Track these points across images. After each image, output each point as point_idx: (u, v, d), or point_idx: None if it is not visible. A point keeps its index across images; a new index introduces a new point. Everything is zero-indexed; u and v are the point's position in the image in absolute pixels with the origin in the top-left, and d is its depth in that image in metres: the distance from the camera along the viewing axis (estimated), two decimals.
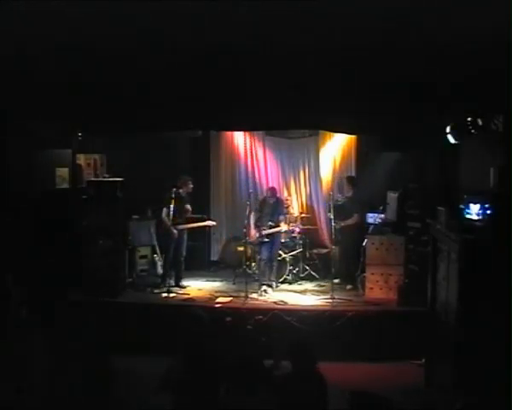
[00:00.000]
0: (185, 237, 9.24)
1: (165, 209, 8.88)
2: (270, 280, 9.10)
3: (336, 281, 8.86)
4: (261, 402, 3.54)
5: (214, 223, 9.52)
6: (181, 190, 8.98)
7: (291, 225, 9.68)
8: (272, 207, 9.25)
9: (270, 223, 9.14)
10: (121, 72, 5.34)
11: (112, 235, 8.72)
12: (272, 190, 9.48)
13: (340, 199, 9.48)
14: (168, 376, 4.48)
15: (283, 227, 9.22)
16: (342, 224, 9.02)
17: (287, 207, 10.06)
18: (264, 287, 8.84)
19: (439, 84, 5.66)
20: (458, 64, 4.87)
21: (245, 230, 9.12)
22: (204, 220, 9.49)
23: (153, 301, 8.64)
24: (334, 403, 4.46)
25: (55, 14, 3.68)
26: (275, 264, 9.21)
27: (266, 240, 9.10)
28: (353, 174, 10.16)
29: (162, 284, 9.06)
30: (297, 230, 9.78)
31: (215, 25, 3.95)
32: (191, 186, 9.12)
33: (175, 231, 8.94)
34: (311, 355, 4.50)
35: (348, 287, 9.01)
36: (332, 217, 8.84)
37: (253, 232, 9.22)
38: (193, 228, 9.28)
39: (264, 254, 9.12)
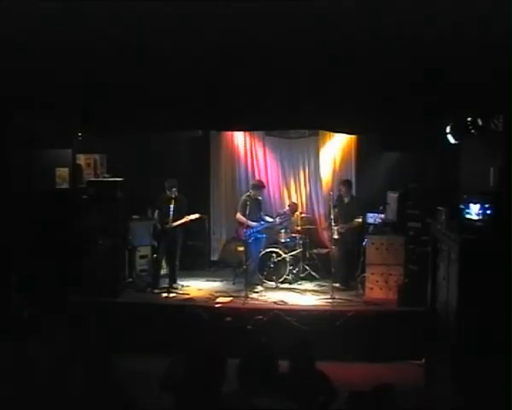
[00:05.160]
0: (178, 238, 9.20)
1: (156, 211, 9.17)
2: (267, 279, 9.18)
3: (336, 285, 8.77)
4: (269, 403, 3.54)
5: (197, 215, 9.25)
6: (168, 192, 9.00)
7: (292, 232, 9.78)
8: (258, 203, 9.31)
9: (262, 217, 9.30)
10: (121, 71, 5.34)
11: (112, 235, 8.73)
12: (258, 185, 9.45)
13: (337, 204, 9.37)
14: (168, 376, 4.48)
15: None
16: (345, 226, 8.95)
17: (294, 212, 10.03)
18: (259, 287, 8.87)
19: (439, 84, 5.65)
20: (458, 64, 4.87)
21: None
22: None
23: (153, 301, 8.65)
24: (334, 403, 4.45)
25: (55, 12, 3.68)
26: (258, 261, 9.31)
27: (259, 236, 9.15)
28: (353, 174, 10.17)
29: (154, 284, 9.08)
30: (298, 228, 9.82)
31: (215, 25, 3.95)
32: (174, 189, 8.99)
33: (158, 226, 9.04)
34: (310, 355, 4.49)
35: (342, 288, 8.95)
36: (332, 217, 8.84)
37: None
38: (184, 226, 9.18)
39: (255, 253, 9.15)
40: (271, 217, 9.68)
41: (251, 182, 10.08)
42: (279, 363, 3.92)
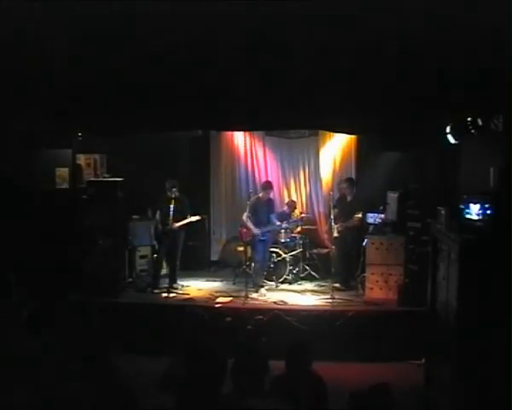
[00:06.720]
0: (179, 238, 9.19)
1: (158, 211, 9.21)
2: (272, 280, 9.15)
3: (336, 285, 8.76)
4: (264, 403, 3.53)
5: (198, 217, 9.21)
6: (168, 193, 9.00)
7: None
8: (268, 205, 9.19)
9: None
10: (121, 72, 5.35)
11: (112, 235, 8.74)
12: (266, 185, 9.28)
13: (337, 204, 9.34)
14: (168, 376, 4.48)
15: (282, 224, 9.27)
16: (344, 225, 8.96)
17: (293, 210, 10.03)
18: (262, 290, 8.85)
19: (438, 84, 5.66)
20: (458, 64, 4.87)
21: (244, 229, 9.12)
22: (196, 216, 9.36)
23: (153, 301, 8.66)
24: (334, 403, 4.45)
25: (56, 12, 3.68)
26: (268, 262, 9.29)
27: (263, 238, 9.06)
28: (353, 174, 10.16)
29: (154, 284, 9.09)
30: (298, 228, 9.80)
31: (215, 24, 3.95)
32: (174, 189, 9.01)
33: (159, 226, 9.09)
34: (307, 356, 4.48)
35: (342, 288, 8.93)
36: (332, 217, 8.84)
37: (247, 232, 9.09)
38: (185, 227, 9.18)
39: (260, 254, 9.11)
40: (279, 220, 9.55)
41: (260, 184, 9.94)
42: (278, 364, 3.92)
